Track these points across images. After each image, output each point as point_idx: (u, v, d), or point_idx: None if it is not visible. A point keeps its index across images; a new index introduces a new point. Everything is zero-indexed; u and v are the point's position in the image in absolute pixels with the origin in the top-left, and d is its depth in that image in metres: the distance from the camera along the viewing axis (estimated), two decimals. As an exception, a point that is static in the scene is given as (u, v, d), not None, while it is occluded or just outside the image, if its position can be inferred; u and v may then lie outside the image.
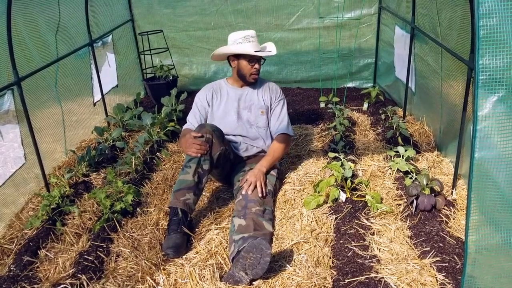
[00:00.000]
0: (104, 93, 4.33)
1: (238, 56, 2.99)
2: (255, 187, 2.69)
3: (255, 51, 2.92)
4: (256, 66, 3.01)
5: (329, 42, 5.02)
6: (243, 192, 2.66)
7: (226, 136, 2.93)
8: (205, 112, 3.09)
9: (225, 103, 3.09)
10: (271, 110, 3.13)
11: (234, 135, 3.05)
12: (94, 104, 4.24)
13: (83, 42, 3.97)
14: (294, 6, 4.92)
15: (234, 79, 3.14)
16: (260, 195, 2.66)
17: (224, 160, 2.85)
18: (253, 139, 3.07)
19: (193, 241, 2.54)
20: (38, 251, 2.49)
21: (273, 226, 2.61)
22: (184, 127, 3.06)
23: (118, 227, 2.65)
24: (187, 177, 2.62)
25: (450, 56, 2.94)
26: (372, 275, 2.12)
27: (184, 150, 2.79)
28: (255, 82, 3.11)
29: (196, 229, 2.66)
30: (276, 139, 3.04)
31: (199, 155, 2.66)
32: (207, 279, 2.15)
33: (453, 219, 2.54)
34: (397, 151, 3.20)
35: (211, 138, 2.71)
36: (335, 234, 2.49)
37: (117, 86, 4.71)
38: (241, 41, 2.93)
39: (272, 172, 2.94)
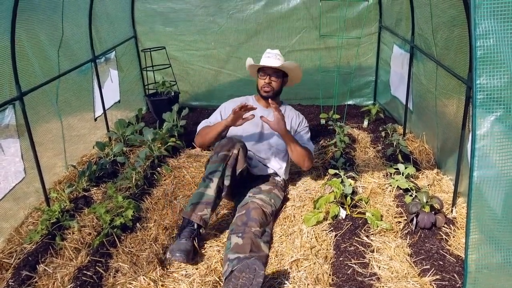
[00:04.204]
0: (106, 109, 4.36)
1: (258, 72, 3.16)
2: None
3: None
4: (266, 79, 3.08)
5: (331, 62, 5.07)
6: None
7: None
8: None
9: (250, 121, 3.00)
10: (295, 133, 3.19)
11: (251, 152, 3.08)
12: (95, 119, 4.26)
13: (86, 58, 4.01)
14: (296, 27, 4.97)
15: (259, 96, 3.24)
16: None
17: (241, 176, 2.80)
18: (268, 160, 3.09)
19: (198, 257, 2.51)
20: (37, 266, 2.48)
21: (269, 248, 2.57)
22: (201, 125, 3.15)
23: (118, 242, 2.64)
24: (208, 192, 2.60)
25: (446, 75, 2.96)
26: (372, 293, 2.11)
27: (233, 124, 2.88)
28: (269, 96, 3.10)
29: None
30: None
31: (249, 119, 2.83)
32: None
33: (453, 237, 2.54)
34: (397, 169, 3.20)
35: (237, 154, 2.70)
36: (335, 251, 2.48)
37: (119, 101, 4.74)
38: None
39: (278, 194, 2.95)
